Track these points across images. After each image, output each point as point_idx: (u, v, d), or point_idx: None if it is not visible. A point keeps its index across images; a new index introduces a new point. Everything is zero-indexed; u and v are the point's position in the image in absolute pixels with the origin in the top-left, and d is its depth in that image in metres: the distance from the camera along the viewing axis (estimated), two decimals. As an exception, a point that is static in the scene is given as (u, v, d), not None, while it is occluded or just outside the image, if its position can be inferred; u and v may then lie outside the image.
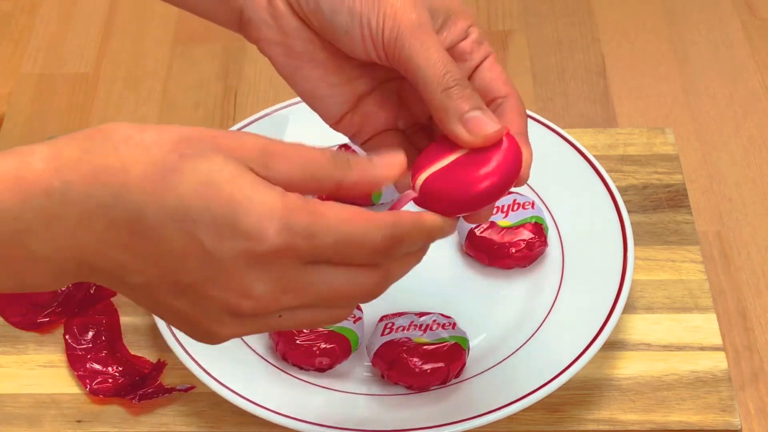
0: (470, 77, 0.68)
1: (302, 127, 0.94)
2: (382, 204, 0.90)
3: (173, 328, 0.78)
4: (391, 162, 0.60)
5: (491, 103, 0.67)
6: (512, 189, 0.64)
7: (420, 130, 0.71)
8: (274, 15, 0.68)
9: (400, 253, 0.59)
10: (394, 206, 0.62)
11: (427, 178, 0.63)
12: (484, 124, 0.63)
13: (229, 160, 0.55)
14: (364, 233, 0.57)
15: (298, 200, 0.55)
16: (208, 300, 0.57)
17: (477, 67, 0.68)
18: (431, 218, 0.60)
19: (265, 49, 0.70)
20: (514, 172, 0.62)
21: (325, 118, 0.70)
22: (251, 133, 0.58)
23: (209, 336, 0.59)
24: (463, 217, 0.64)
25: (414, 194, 0.63)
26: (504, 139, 0.63)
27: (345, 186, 0.58)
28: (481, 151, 0.62)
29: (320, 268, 0.57)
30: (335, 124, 0.70)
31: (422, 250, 0.62)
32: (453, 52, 0.67)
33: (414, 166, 0.64)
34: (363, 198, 0.90)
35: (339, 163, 0.58)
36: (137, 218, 0.55)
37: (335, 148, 0.92)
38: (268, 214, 0.55)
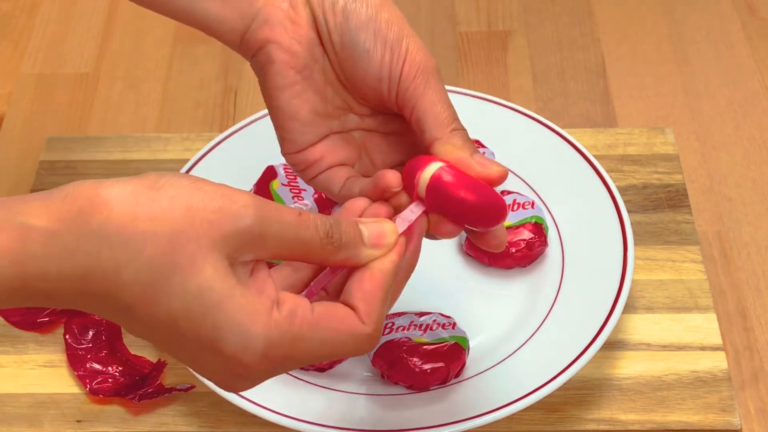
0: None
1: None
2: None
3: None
4: (382, 239, 0.61)
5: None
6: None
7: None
8: (293, 19, 0.68)
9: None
10: (408, 230, 0.63)
11: (434, 174, 0.63)
12: (492, 163, 0.65)
13: (219, 271, 0.56)
14: (345, 348, 0.59)
15: (282, 325, 0.57)
16: (207, 364, 0.59)
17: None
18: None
19: (271, 51, 0.69)
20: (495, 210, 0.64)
21: (289, 143, 0.70)
22: (253, 208, 0.57)
23: (229, 387, 0.61)
24: (479, 239, 0.66)
25: (422, 207, 0.63)
26: None
27: (330, 263, 0.60)
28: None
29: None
30: (292, 154, 0.70)
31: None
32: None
33: (405, 173, 0.64)
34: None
35: (328, 249, 0.59)
36: (129, 314, 0.56)
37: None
38: (251, 348, 0.56)
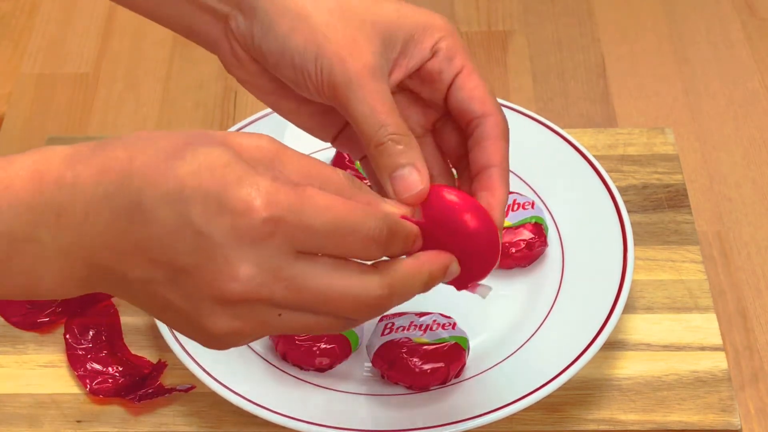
0: (446, 98, 0.68)
1: (302, 127, 0.94)
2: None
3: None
4: (405, 194, 0.62)
5: (469, 124, 0.67)
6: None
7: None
8: (238, 59, 0.70)
9: (396, 249, 0.59)
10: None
11: (434, 186, 0.63)
12: (409, 185, 0.63)
13: (230, 151, 0.56)
14: (355, 219, 0.57)
15: (288, 183, 0.56)
16: (197, 289, 0.56)
17: (450, 85, 0.67)
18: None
19: (245, 87, 0.71)
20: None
21: (321, 139, 0.72)
22: (268, 137, 0.58)
23: (206, 333, 0.58)
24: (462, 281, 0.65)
25: (415, 220, 0.61)
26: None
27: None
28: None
29: (312, 261, 0.57)
30: (333, 143, 0.71)
31: (430, 281, 0.61)
32: (422, 73, 0.67)
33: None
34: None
35: (349, 184, 0.58)
36: (136, 203, 0.55)
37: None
38: (255, 189, 0.55)
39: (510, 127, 0.90)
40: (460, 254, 0.62)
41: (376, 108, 0.64)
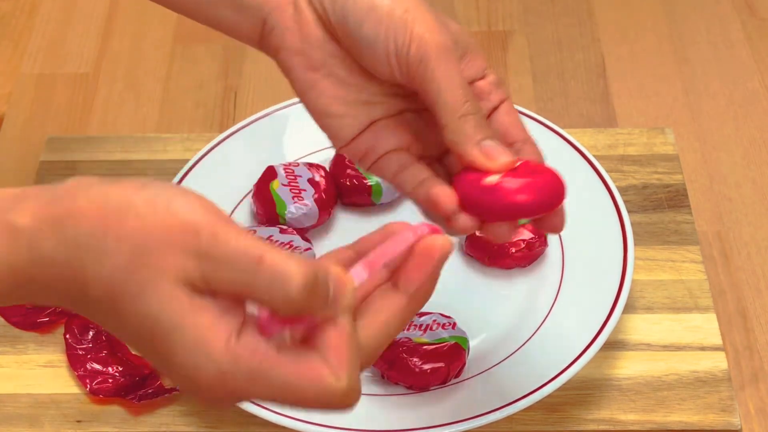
0: (488, 118, 0.68)
1: (302, 127, 0.94)
2: (381, 204, 0.90)
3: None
4: (497, 161, 0.64)
5: (510, 146, 0.67)
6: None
7: (431, 164, 0.69)
8: (300, 22, 0.68)
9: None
10: (417, 255, 0.59)
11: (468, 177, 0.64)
12: (501, 153, 0.64)
13: (166, 302, 0.53)
14: (311, 390, 0.54)
15: (240, 355, 0.53)
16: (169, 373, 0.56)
17: (495, 109, 0.68)
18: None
19: (285, 59, 0.68)
20: (556, 197, 0.65)
21: (335, 139, 0.69)
22: (205, 224, 0.54)
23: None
24: (485, 230, 0.65)
25: (426, 230, 0.60)
26: (546, 169, 0.65)
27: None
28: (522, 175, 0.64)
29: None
30: (343, 147, 0.69)
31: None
32: (472, 88, 0.67)
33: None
34: (363, 198, 0.90)
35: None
36: (98, 324, 0.56)
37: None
38: (202, 377, 0.53)
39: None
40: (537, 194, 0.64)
41: (463, 82, 0.65)
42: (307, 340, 0.54)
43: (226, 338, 0.53)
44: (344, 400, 0.55)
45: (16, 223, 0.54)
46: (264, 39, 0.69)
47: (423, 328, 0.79)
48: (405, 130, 0.69)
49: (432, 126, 0.67)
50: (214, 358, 0.53)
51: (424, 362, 0.78)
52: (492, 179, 0.63)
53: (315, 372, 0.53)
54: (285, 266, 0.52)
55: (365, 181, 0.89)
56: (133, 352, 0.67)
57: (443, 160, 0.70)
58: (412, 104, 0.68)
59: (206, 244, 0.53)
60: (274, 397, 0.54)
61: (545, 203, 0.64)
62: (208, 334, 0.53)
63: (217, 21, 0.71)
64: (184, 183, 0.88)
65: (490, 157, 0.64)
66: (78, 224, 0.54)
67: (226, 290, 0.53)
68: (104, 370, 0.81)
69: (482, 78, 0.68)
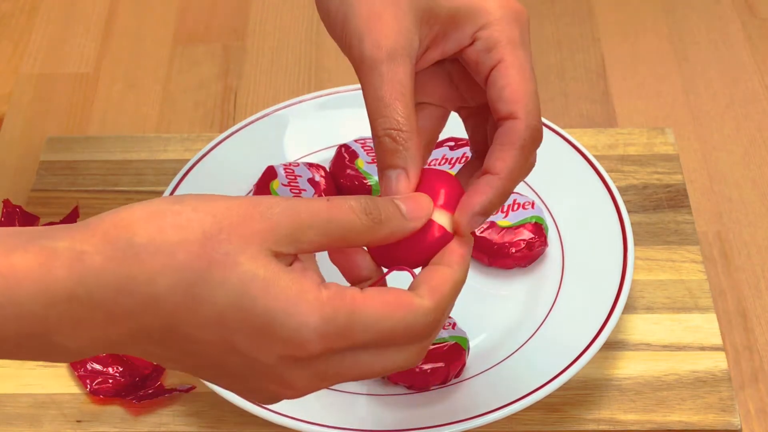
0: (486, 88, 0.63)
1: (302, 127, 0.94)
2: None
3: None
4: (420, 210, 0.58)
5: (496, 124, 0.63)
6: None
7: (471, 115, 0.67)
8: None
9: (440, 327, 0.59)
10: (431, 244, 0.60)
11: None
12: (392, 191, 0.60)
13: (259, 261, 0.53)
14: (405, 325, 0.55)
15: (334, 300, 0.54)
16: (253, 392, 0.57)
17: (487, 77, 0.63)
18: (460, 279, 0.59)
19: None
20: (429, 250, 0.60)
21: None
22: (280, 203, 0.55)
23: (276, 394, 0.58)
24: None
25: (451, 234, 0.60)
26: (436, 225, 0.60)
27: (376, 241, 0.57)
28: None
29: (360, 354, 0.56)
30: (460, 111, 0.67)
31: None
32: (463, 58, 0.64)
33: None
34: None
35: (368, 226, 0.56)
36: (169, 326, 0.53)
37: (336, 148, 0.92)
38: (305, 325, 0.53)
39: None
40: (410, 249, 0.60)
41: (382, 96, 0.61)
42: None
43: (317, 287, 0.54)
44: (433, 317, 0.56)
45: (54, 245, 0.53)
46: None
47: (423, 328, 0.79)
48: (440, 80, 0.66)
49: (470, 78, 0.65)
50: (315, 308, 0.53)
51: (424, 362, 0.78)
52: None
53: (401, 298, 0.55)
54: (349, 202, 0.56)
55: (365, 181, 0.89)
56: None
57: (484, 113, 0.66)
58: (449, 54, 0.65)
59: (276, 213, 0.54)
60: (373, 335, 0.54)
61: (417, 261, 0.60)
62: (304, 284, 0.54)
63: None
64: (184, 183, 0.88)
65: (383, 191, 0.60)
66: (129, 234, 0.53)
67: (316, 243, 0.55)
68: (104, 370, 0.81)
69: (469, 45, 0.63)
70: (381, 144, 0.61)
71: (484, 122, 0.66)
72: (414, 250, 0.59)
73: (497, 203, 0.61)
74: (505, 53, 0.63)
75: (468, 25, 0.63)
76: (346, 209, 0.56)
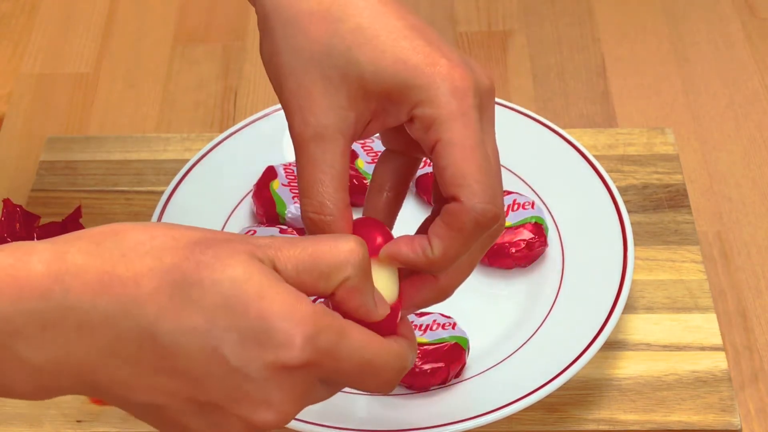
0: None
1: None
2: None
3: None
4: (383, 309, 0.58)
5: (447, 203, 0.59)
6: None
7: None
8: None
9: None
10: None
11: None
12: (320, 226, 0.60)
13: (251, 265, 0.52)
14: (383, 363, 0.56)
15: (327, 316, 0.53)
16: (227, 419, 0.53)
17: (431, 155, 0.59)
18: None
19: None
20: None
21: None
22: (266, 238, 0.55)
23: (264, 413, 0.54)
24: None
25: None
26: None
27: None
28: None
29: (335, 387, 0.57)
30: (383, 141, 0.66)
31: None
32: (406, 132, 0.61)
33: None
34: (363, 198, 0.90)
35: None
36: (149, 334, 0.51)
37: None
38: (300, 332, 0.52)
39: (510, 127, 0.90)
40: None
41: (306, 177, 0.59)
42: None
43: (310, 302, 0.53)
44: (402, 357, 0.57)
45: (36, 245, 0.51)
46: None
47: (423, 328, 0.79)
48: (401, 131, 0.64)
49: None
50: (310, 317, 0.52)
51: (424, 362, 0.78)
52: None
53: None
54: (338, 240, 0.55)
55: (365, 181, 0.89)
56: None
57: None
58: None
59: (264, 239, 0.54)
60: (358, 348, 0.54)
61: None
62: (300, 297, 0.53)
63: None
64: (184, 183, 0.88)
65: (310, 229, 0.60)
66: (119, 236, 0.52)
67: (293, 269, 0.54)
68: (104, 370, 0.81)
69: (410, 122, 0.59)
70: (306, 223, 0.60)
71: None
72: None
73: (433, 300, 0.63)
74: (442, 131, 0.58)
75: (403, 103, 0.59)
76: (335, 244, 0.55)
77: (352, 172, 0.90)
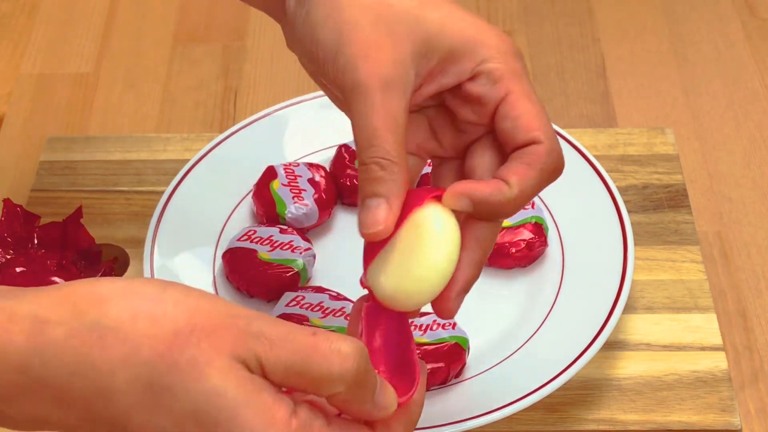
0: (493, 122, 0.62)
1: (302, 127, 0.94)
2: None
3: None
4: (385, 409, 0.55)
5: (513, 153, 0.61)
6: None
7: (443, 163, 0.66)
8: (291, 39, 0.66)
9: None
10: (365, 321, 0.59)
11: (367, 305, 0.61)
12: (370, 220, 0.58)
13: (228, 375, 0.50)
14: None
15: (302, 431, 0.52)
16: None
17: (495, 112, 0.62)
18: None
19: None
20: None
21: None
22: (259, 319, 0.52)
23: None
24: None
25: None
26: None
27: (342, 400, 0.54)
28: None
29: None
30: None
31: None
32: (463, 93, 0.62)
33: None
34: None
35: (347, 383, 0.53)
36: (121, 422, 0.51)
37: (336, 148, 0.92)
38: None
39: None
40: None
41: (373, 124, 0.59)
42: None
43: (288, 417, 0.51)
44: None
45: (13, 308, 0.50)
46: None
47: (423, 328, 0.79)
48: (419, 128, 0.65)
49: (451, 125, 0.64)
50: None
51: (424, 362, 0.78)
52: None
53: None
54: (339, 344, 0.52)
55: (365, 181, 0.89)
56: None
57: (455, 163, 0.65)
58: (430, 100, 0.64)
59: (256, 327, 0.51)
60: None
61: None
62: (275, 413, 0.51)
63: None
64: (184, 183, 0.88)
65: (360, 221, 0.58)
66: (99, 312, 0.51)
67: (281, 371, 0.51)
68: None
69: (472, 79, 0.62)
70: (367, 171, 0.59)
71: (453, 172, 0.66)
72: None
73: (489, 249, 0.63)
74: (512, 85, 0.62)
75: (467, 60, 0.62)
76: (330, 355, 0.52)
77: (353, 172, 0.90)
